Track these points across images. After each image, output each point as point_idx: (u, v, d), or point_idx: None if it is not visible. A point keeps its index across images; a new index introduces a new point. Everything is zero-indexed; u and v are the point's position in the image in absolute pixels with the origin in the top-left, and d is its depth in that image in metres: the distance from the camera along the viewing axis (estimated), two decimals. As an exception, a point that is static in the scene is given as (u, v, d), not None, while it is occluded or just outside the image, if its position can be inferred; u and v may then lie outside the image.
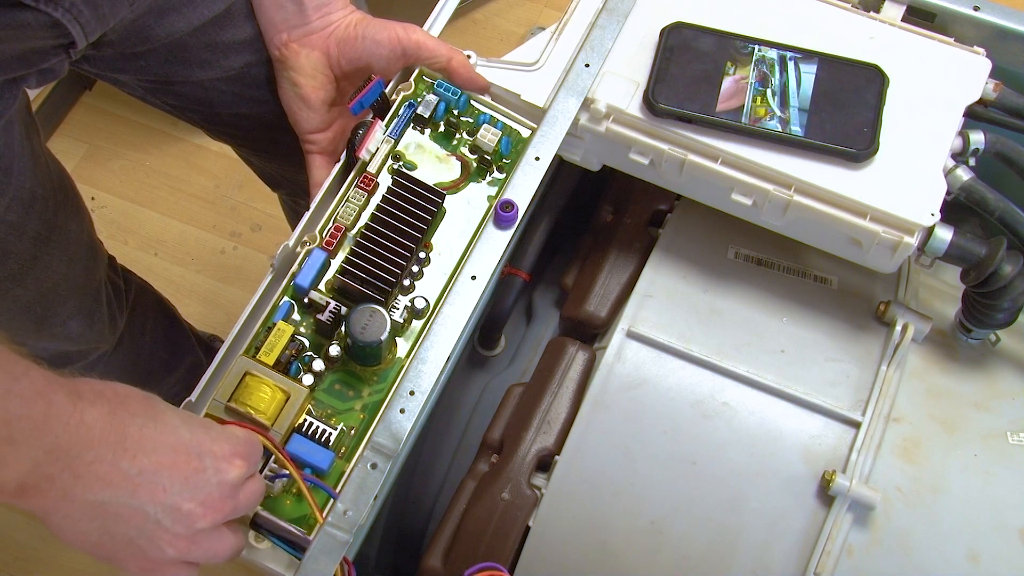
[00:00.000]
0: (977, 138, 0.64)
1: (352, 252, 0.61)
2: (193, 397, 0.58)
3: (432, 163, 0.66)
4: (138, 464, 0.45)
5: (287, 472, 0.56)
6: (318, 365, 0.60)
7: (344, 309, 0.60)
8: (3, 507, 1.25)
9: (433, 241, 0.64)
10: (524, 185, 0.63)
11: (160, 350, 1.01)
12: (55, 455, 0.43)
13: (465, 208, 0.65)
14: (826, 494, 0.62)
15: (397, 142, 0.66)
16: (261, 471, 0.56)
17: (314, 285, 0.61)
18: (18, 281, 0.71)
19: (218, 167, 1.54)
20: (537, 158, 0.64)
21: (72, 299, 0.78)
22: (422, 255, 0.63)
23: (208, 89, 0.75)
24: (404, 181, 0.63)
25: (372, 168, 0.64)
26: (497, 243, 0.62)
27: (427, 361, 0.58)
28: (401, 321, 0.61)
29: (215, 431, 0.50)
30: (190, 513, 0.47)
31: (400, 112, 0.66)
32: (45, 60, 0.61)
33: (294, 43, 0.68)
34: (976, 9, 0.70)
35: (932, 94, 0.65)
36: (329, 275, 0.62)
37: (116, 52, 0.69)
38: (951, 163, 0.63)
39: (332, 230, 0.62)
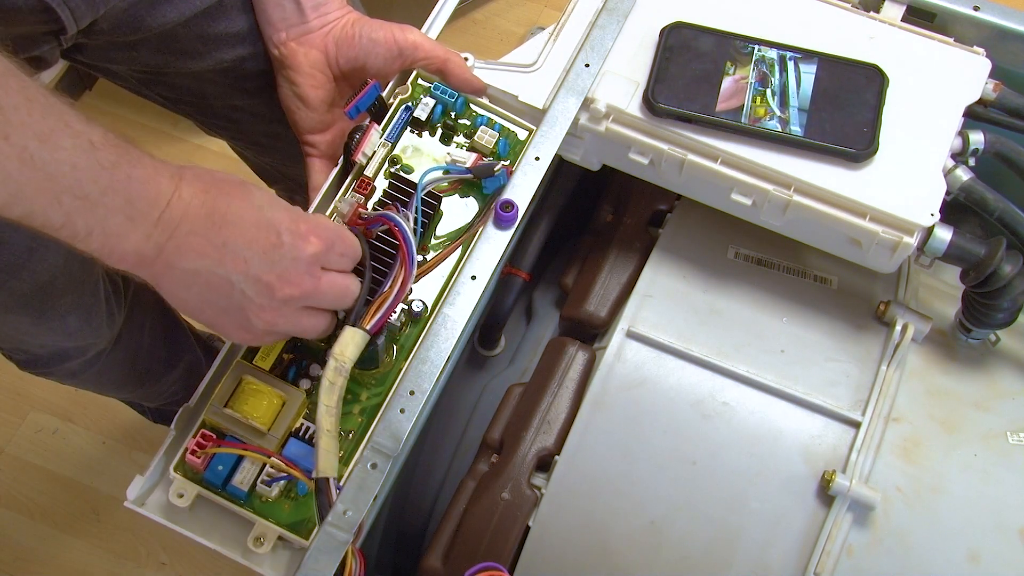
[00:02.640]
0: (977, 138, 0.64)
1: (349, 255, 0.61)
2: (192, 402, 0.58)
3: (429, 166, 0.66)
4: (223, 235, 0.51)
5: (284, 475, 0.56)
6: (315, 370, 0.60)
7: (341, 313, 0.60)
8: (3, 507, 1.25)
9: (430, 244, 0.64)
10: (524, 185, 0.63)
11: (159, 348, 1.01)
12: (162, 227, 0.49)
13: (463, 210, 0.65)
14: (826, 494, 0.62)
15: (394, 145, 0.66)
16: (260, 472, 0.56)
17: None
18: (14, 273, 0.71)
19: (217, 167, 1.53)
20: (537, 158, 0.64)
21: (70, 294, 0.78)
22: (419, 258, 0.63)
23: (201, 80, 0.75)
24: (400, 184, 0.63)
25: (369, 172, 0.64)
26: (497, 243, 0.62)
27: (427, 361, 0.58)
28: (398, 325, 0.61)
29: (297, 213, 0.54)
30: (269, 284, 0.52)
31: (397, 115, 0.66)
32: (36, 47, 0.61)
33: (292, 42, 0.68)
34: (976, 9, 0.70)
35: (932, 94, 0.65)
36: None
37: (108, 41, 0.69)
38: (951, 163, 0.63)
39: (330, 233, 0.62)
